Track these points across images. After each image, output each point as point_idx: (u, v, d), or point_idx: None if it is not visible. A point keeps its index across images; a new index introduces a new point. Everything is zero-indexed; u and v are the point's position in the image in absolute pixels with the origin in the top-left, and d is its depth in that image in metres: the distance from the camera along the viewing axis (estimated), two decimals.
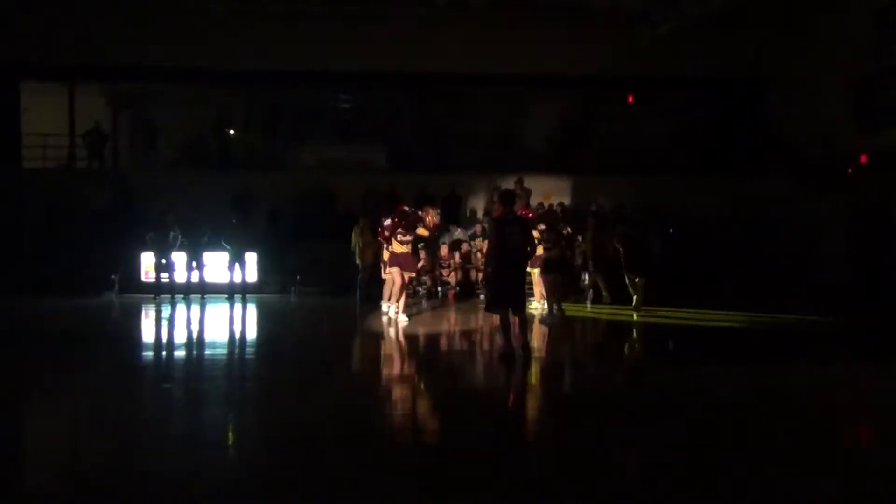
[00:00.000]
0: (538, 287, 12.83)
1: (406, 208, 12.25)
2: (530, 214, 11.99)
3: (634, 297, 12.99)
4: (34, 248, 16.07)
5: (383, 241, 12.25)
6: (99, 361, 9.06)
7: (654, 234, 15.19)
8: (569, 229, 14.04)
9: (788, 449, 5.53)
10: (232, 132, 20.74)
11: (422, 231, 12.13)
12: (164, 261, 15.32)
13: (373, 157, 19.72)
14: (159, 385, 7.98)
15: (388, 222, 12.16)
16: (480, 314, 12.43)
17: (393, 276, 11.93)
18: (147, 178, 18.36)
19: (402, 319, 11.62)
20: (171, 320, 13.02)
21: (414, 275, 12.46)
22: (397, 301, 11.88)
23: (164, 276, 15.42)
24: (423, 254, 15.42)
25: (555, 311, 11.81)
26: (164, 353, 10.33)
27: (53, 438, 6.00)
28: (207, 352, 10.35)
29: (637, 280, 12.99)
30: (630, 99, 20.48)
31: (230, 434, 6.00)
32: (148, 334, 12.40)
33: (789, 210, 17.72)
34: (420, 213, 12.23)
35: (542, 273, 12.03)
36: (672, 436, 5.78)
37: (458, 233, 17.19)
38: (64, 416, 6.68)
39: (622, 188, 18.73)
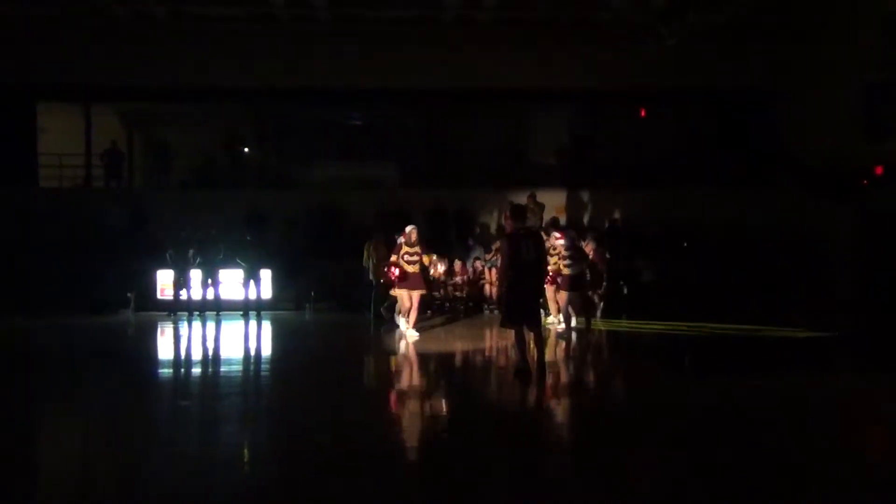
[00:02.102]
0: (553, 302, 12.88)
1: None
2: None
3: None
4: (51, 267, 16.20)
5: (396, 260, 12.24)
6: (116, 379, 9.17)
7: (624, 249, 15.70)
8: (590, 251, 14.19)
9: (806, 459, 5.57)
10: (245, 150, 20.91)
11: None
12: (182, 278, 15.46)
13: (383, 173, 19.82)
14: (176, 402, 8.07)
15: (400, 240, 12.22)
16: (495, 329, 12.48)
17: (401, 298, 12.02)
18: (161, 197, 18.54)
19: (413, 335, 11.65)
20: (187, 337, 13.13)
21: (424, 292, 12.46)
22: (407, 318, 11.96)
23: (183, 294, 15.55)
24: (439, 265, 15.41)
25: (573, 326, 11.80)
26: (180, 370, 10.42)
27: (70, 455, 6.09)
28: (223, 369, 10.42)
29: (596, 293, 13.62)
30: (643, 112, 20.53)
31: (245, 452, 6.06)
32: (164, 352, 12.49)
33: (799, 220, 17.70)
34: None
35: (565, 290, 12.02)
36: (690, 449, 5.82)
37: (473, 248, 17.26)
38: (81, 433, 6.77)
39: (633, 201, 18.79)
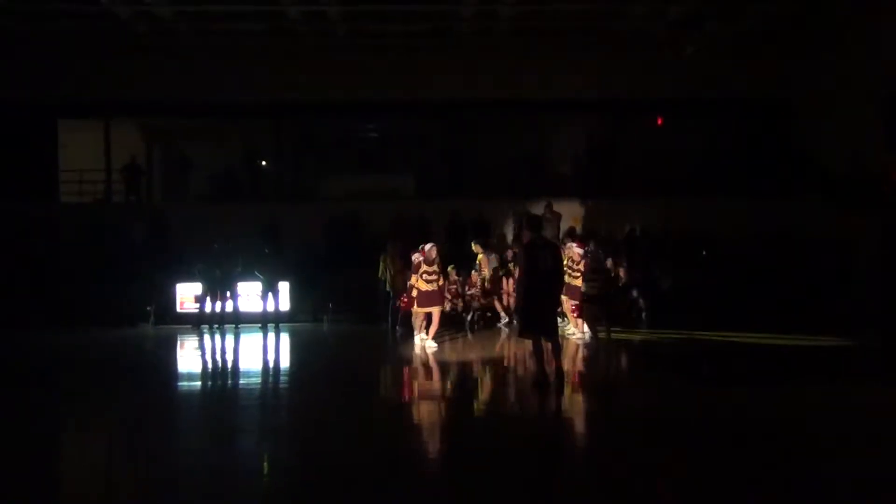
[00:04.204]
0: (570, 312, 12.81)
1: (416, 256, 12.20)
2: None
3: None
4: (71, 281, 16.36)
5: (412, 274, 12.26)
6: (136, 391, 9.22)
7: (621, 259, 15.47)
8: (609, 260, 14.08)
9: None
10: (263, 163, 21.05)
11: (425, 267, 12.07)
12: (212, 291, 15.51)
13: (401, 185, 19.87)
14: (199, 415, 8.11)
15: (414, 257, 12.23)
16: (512, 340, 12.43)
17: (418, 314, 12.02)
18: (180, 211, 18.68)
19: (431, 346, 11.62)
20: (207, 350, 13.19)
21: (442, 307, 12.42)
22: (425, 330, 11.93)
23: (208, 306, 15.61)
24: (453, 274, 15.31)
25: (597, 336, 11.72)
26: (200, 382, 10.46)
27: (91, 469, 6.12)
28: (242, 381, 10.47)
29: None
30: (659, 121, 20.45)
31: (265, 464, 6.06)
32: (184, 364, 12.57)
33: (821, 230, 17.50)
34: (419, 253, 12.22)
35: (583, 303, 11.99)
36: (708, 459, 5.75)
37: (490, 258, 17.19)
38: (102, 445, 6.81)
39: (651, 210, 18.68)
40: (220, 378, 10.85)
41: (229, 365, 11.86)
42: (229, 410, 8.15)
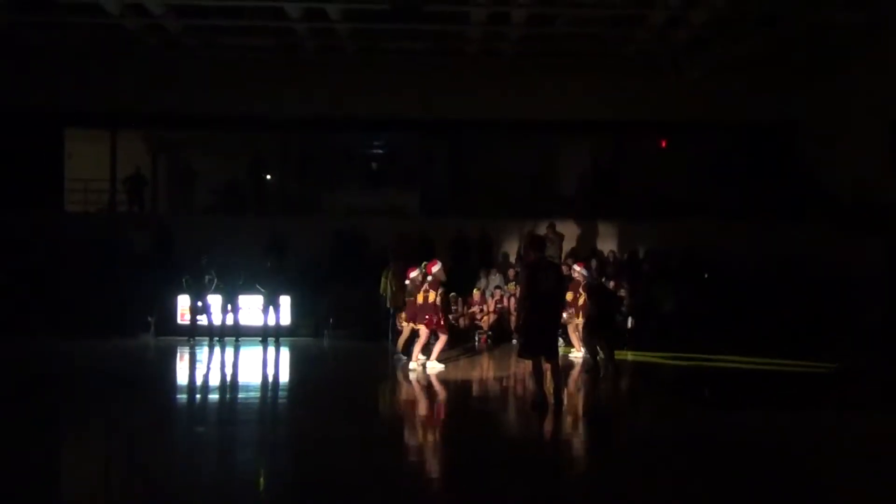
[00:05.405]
0: (574, 335, 12.77)
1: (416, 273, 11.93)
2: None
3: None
4: (74, 290, 16.36)
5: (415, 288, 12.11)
6: (135, 403, 9.19)
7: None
8: (612, 283, 14.09)
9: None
10: (268, 177, 21.10)
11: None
12: (199, 303, 15.53)
13: (405, 202, 19.89)
14: (193, 428, 8.08)
15: (414, 273, 12.09)
16: (513, 360, 12.39)
17: (420, 330, 11.77)
18: (184, 222, 18.69)
19: (434, 367, 11.49)
20: (205, 363, 13.16)
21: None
22: (423, 349, 11.73)
23: (200, 319, 15.60)
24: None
25: (598, 360, 11.66)
26: (198, 396, 10.44)
27: (89, 480, 6.09)
28: (241, 395, 10.44)
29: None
30: (664, 143, 20.49)
31: (261, 481, 6.03)
32: (183, 377, 12.55)
33: (824, 254, 17.46)
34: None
35: (585, 323, 11.95)
36: (705, 484, 5.72)
37: (493, 277, 17.19)
38: (99, 458, 6.79)
39: (654, 232, 18.67)
40: (215, 392, 10.82)
41: (227, 379, 11.83)
42: (221, 426, 8.12)
